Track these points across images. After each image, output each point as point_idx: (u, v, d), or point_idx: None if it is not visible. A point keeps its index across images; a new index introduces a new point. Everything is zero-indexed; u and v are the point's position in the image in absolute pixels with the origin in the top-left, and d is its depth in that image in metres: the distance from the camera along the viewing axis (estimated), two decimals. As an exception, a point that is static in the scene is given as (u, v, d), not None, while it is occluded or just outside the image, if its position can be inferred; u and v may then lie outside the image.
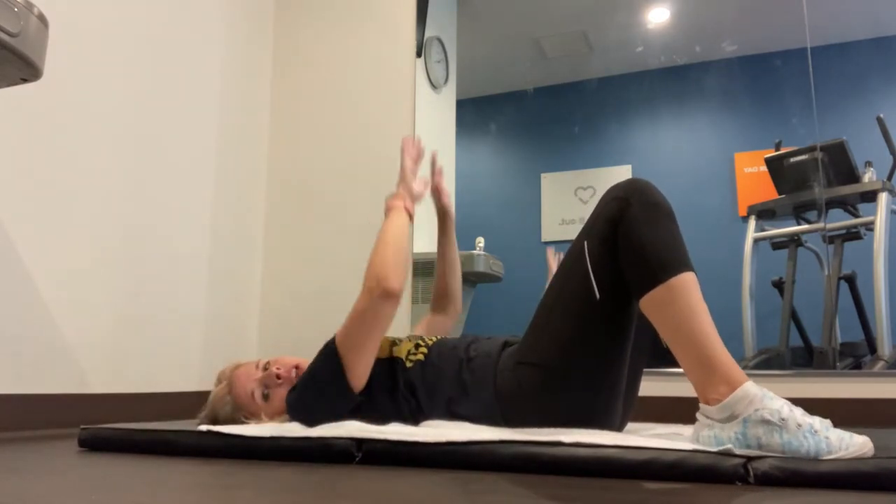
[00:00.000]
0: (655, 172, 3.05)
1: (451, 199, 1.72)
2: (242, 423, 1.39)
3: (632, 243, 1.12)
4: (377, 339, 1.31)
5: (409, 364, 1.35)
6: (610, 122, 3.17)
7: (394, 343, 1.41)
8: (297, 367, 1.41)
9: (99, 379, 2.00)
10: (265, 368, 1.42)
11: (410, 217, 1.43)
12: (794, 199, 2.62)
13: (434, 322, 1.74)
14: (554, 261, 2.42)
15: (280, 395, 1.38)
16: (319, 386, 1.31)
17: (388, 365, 1.36)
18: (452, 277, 1.73)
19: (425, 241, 2.51)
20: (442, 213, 1.73)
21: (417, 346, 1.39)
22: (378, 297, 1.27)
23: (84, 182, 1.99)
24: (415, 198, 1.47)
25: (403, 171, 1.48)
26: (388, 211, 1.42)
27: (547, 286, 1.28)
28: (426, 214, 2.60)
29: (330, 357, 1.30)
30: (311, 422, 1.30)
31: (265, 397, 1.39)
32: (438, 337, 1.44)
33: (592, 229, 1.19)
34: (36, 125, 1.86)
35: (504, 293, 2.79)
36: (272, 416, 1.39)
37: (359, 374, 1.30)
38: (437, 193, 1.69)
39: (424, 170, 1.59)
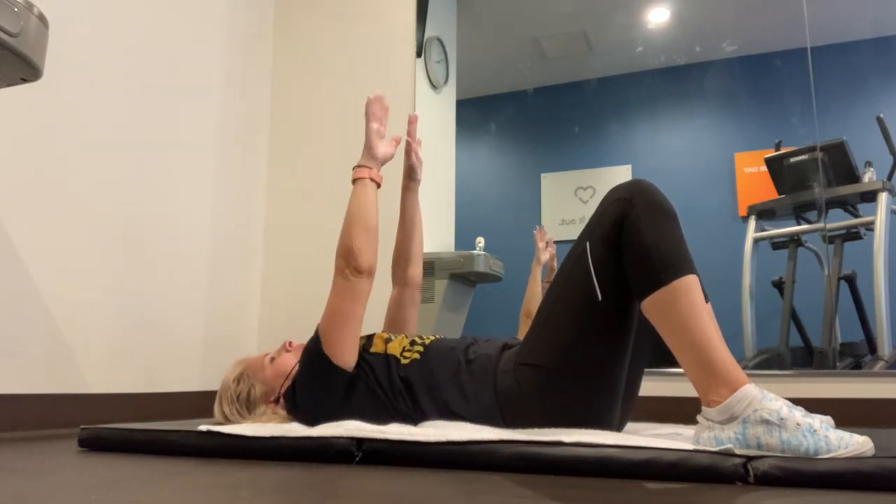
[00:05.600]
0: (655, 172, 3.05)
1: (421, 162, 1.71)
2: (240, 421, 1.40)
3: (635, 245, 1.12)
4: (357, 316, 1.34)
5: (404, 361, 1.35)
6: (610, 122, 3.18)
7: (388, 340, 1.41)
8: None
9: (99, 379, 2.00)
10: None
11: (378, 184, 1.44)
12: (794, 199, 2.62)
13: (398, 299, 1.71)
14: (541, 240, 2.39)
15: (285, 359, 1.45)
16: (312, 370, 1.35)
17: (383, 360, 1.36)
18: (412, 242, 1.72)
19: (424, 240, 2.50)
20: (408, 172, 1.71)
21: (413, 343, 1.39)
22: (350, 275, 1.32)
23: (84, 182, 1.99)
24: (382, 160, 1.47)
25: (368, 135, 1.47)
26: (353, 182, 1.43)
27: (548, 287, 1.28)
28: (423, 216, 2.60)
29: (314, 342, 1.35)
30: (311, 412, 1.32)
31: (272, 360, 1.46)
32: (436, 337, 1.44)
33: (594, 230, 1.18)
34: (36, 125, 1.86)
35: (504, 293, 2.79)
36: (272, 377, 1.43)
37: (345, 351, 1.33)
38: (408, 152, 1.69)
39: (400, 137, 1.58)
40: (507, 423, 1.23)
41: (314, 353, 1.34)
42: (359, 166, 1.44)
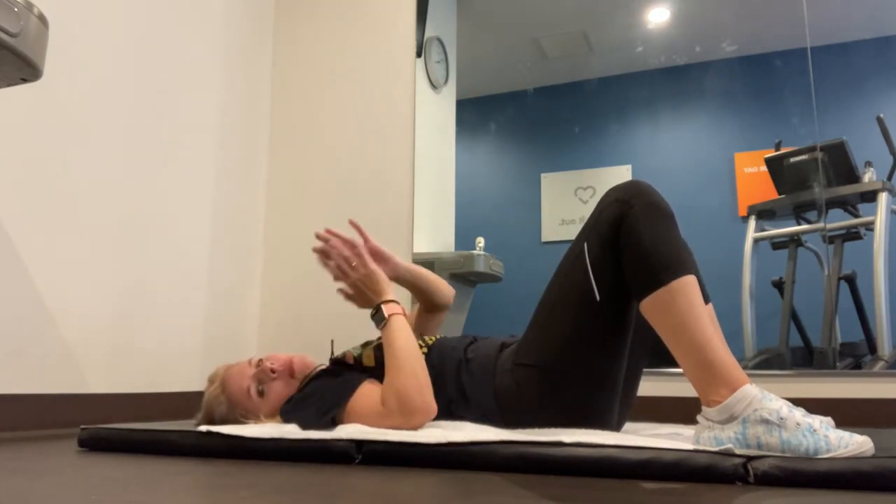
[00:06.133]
0: (655, 172, 3.05)
1: (395, 261, 1.50)
2: (240, 422, 1.39)
3: (633, 245, 1.12)
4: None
5: None
6: (610, 122, 3.17)
7: None
8: (291, 362, 1.40)
9: (99, 379, 2.00)
10: (258, 365, 1.40)
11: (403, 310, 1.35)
12: (794, 199, 2.62)
13: (427, 316, 1.65)
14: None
15: (275, 389, 1.37)
16: (320, 411, 1.29)
17: None
18: (438, 294, 1.59)
19: (424, 240, 2.51)
20: (395, 279, 1.50)
21: (418, 345, 1.39)
22: (400, 418, 1.22)
23: (83, 182, 1.99)
24: (390, 273, 1.41)
25: (373, 273, 1.36)
26: (385, 319, 1.31)
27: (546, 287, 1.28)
28: (423, 216, 2.61)
29: (339, 401, 1.27)
30: (303, 427, 1.30)
31: (261, 393, 1.37)
32: (438, 336, 1.44)
33: (592, 231, 1.19)
34: (36, 125, 1.86)
35: (504, 293, 2.79)
36: (269, 413, 1.38)
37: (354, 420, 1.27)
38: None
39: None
40: (505, 423, 1.23)
41: (332, 413, 1.26)
42: (385, 302, 1.33)
